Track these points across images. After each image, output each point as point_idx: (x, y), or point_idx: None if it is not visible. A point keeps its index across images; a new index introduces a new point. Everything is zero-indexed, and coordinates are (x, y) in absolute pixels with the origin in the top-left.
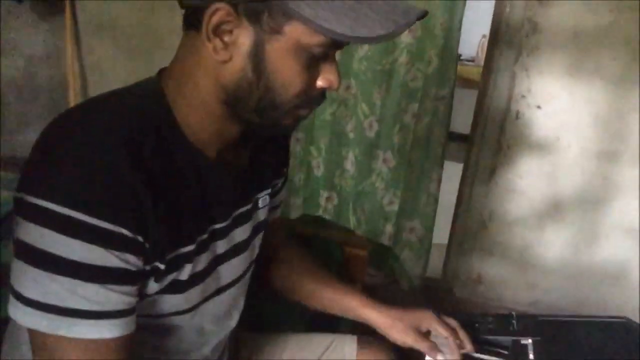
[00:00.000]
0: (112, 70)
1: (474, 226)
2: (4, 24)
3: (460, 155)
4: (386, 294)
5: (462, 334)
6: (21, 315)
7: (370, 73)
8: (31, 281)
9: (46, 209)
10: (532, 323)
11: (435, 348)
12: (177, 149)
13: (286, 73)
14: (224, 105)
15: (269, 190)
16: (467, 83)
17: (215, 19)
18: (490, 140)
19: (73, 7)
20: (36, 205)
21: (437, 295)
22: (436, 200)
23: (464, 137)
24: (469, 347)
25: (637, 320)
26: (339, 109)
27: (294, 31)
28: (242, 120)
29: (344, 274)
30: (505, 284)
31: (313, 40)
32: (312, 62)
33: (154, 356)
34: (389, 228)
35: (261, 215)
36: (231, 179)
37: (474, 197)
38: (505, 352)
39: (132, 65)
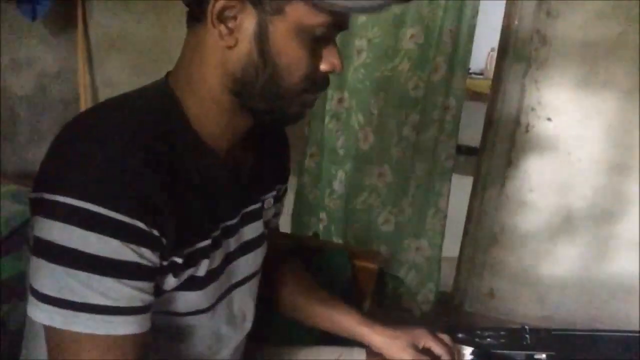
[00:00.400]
0: (124, 85)
1: (484, 240)
2: (18, 40)
3: (470, 168)
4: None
5: (455, 350)
6: (38, 312)
7: (368, 81)
8: (48, 277)
9: (63, 204)
10: (546, 337)
11: None
12: (189, 146)
13: (290, 55)
14: (232, 96)
15: (274, 193)
16: (475, 96)
17: (219, 5)
18: (500, 153)
19: (85, 23)
20: (53, 202)
21: (448, 310)
22: (445, 217)
23: (473, 150)
24: None
25: None
26: (331, 122)
27: (295, 11)
28: (250, 109)
29: (354, 287)
30: (517, 299)
31: (315, 20)
32: (315, 44)
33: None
34: (384, 250)
35: (267, 215)
36: (239, 177)
37: (485, 211)
38: None
39: (143, 80)
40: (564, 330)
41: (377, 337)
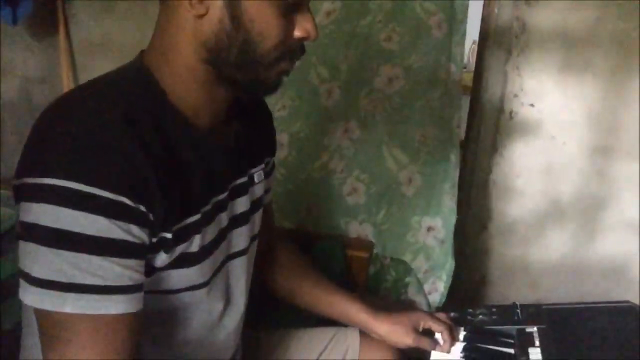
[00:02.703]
0: None
1: (474, 228)
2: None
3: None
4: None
5: (452, 326)
6: (27, 295)
7: (336, 35)
8: (35, 259)
9: (46, 185)
10: (536, 312)
11: (434, 343)
12: (169, 121)
13: (263, 21)
14: (207, 66)
15: (263, 166)
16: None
17: None
18: (485, 140)
19: (67, 27)
20: (36, 184)
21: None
22: (456, 187)
23: (461, 145)
24: (456, 337)
25: None
26: None
27: None
28: (227, 80)
29: (346, 276)
30: (508, 284)
31: None
32: (288, 11)
33: (170, 345)
34: (356, 228)
35: (257, 191)
36: (223, 151)
37: (473, 199)
38: (511, 341)
39: None
40: (553, 304)
41: (379, 324)
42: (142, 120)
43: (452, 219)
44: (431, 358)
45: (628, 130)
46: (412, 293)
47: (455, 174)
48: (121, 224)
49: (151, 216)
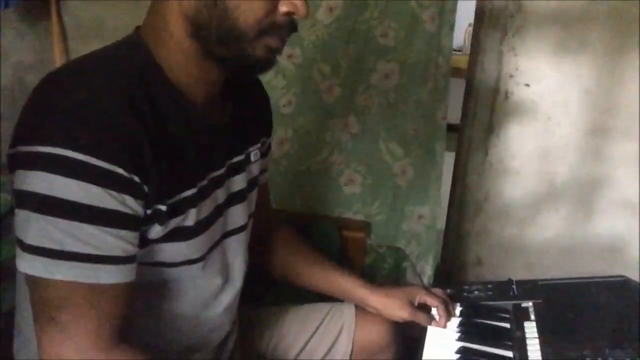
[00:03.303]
0: None
1: (470, 209)
2: None
3: (452, 145)
4: None
5: (448, 301)
6: (20, 262)
7: (338, 33)
8: (29, 227)
9: (41, 153)
10: (532, 287)
11: (429, 318)
12: (165, 95)
13: None
14: (194, 41)
15: (259, 145)
16: (455, 72)
17: None
18: (481, 121)
19: (59, 13)
20: (31, 152)
21: (437, 280)
22: (441, 177)
23: (455, 128)
24: (452, 312)
25: None
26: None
27: None
28: (212, 55)
29: (343, 257)
30: (504, 265)
31: None
32: None
33: (166, 319)
34: (351, 216)
35: (254, 170)
36: (219, 128)
37: (469, 180)
38: (507, 316)
39: None
40: (549, 279)
41: (376, 298)
42: (138, 93)
43: (438, 207)
44: (428, 333)
45: (624, 110)
46: (409, 277)
47: (440, 164)
48: (115, 194)
49: (145, 188)
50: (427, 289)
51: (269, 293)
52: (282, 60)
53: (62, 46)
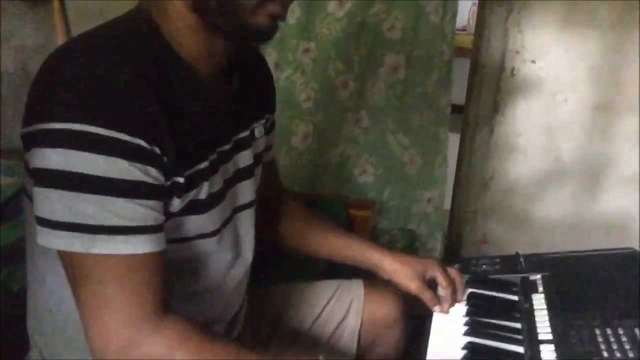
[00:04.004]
0: None
1: (475, 187)
2: None
3: (457, 126)
4: None
5: (459, 286)
6: (52, 239)
7: (349, 28)
8: (57, 204)
9: (65, 130)
10: (539, 261)
11: (435, 299)
12: (174, 68)
13: None
14: (197, 15)
15: (263, 121)
16: (460, 52)
17: None
18: (486, 99)
19: None
20: (50, 130)
21: (444, 258)
22: (446, 160)
23: (460, 109)
24: (459, 298)
25: None
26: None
27: None
28: (215, 27)
29: None
30: (510, 243)
31: None
32: None
33: (182, 296)
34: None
35: (259, 145)
36: (226, 102)
37: (474, 159)
38: (515, 289)
39: None
40: (556, 252)
41: (388, 262)
42: (150, 66)
43: (444, 188)
44: (434, 316)
45: (630, 86)
46: (421, 255)
47: (445, 148)
48: (140, 165)
49: (165, 159)
50: (443, 266)
51: (276, 271)
52: (299, 55)
53: (64, 30)
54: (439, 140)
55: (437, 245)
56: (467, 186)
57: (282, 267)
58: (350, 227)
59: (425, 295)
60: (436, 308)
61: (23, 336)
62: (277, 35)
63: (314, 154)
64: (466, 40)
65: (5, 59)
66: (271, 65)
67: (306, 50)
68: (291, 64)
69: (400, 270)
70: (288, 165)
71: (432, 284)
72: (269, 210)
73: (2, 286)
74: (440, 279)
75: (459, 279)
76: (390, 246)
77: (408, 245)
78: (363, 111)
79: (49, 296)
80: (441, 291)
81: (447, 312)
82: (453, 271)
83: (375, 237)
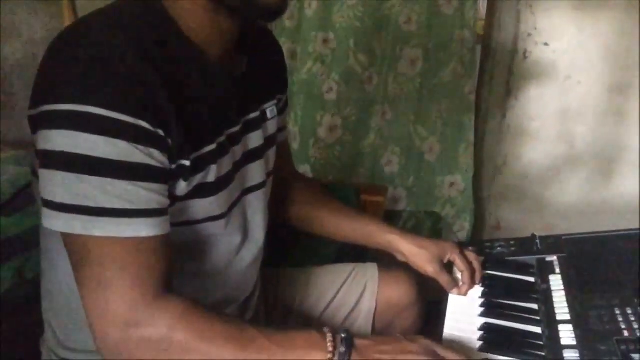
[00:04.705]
0: None
1: (489, 173)
2: (3, 7)
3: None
4: None
5: (477, 268)
6: (54, 221)
7: (368, 19)
8: (60, 186)
9: (65, 111)
10: (556, 242)
11: (452, 283)
12: (180, 49)
13: None
14: None
15: (275, 102)
16: None
17: None
18: (499, 83)
19: None
20: (54, 111)
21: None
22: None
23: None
24: (477, 281)
25: None
26: (315, 66)
27: None
28: (224, 5)
29: None
30: (524, 228)
31: None
32: None
33: (191, 278)
34: (392, 192)
35: (270, 127)
36: (236, 83)
37: (487, 144)
38: (531, 271)
39: None
40: (572, 234)
41: (405, 244)
42: (155, 47)
43: (470, 173)
44: (450, 297)
45: None
46: (444, 235)
47: (470, 135)
48: (142, 148)
49: (169, 141)
50: (461, 248)
51: (288, 256)
52: (318, 47)
53: (73, 21)
54: (464, 126)
55: (465, 225)
56: (480, 171)
57: (293, 252)
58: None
59: (443, 279)
60: (454, 291)
61: (38, 322)
62: (296, 27)
63: (345, 146)
64: (477, 25)
65: (15, 52)
66: (290, 56)
67: (325, 41)
68: (311, 55)
69: (418, 253)
70: (317, 156)
71: (448, 267)
72: (282, 191)
73: (17, 274)
74: (459, 262)
75: (477, 262)
76: (417, 229)
77: (433, 227)
78: (387, 104)
79: (62, 278)
80: (459, 274)
81: (465, 295)
82: (471, 254)
83: (398, 222)
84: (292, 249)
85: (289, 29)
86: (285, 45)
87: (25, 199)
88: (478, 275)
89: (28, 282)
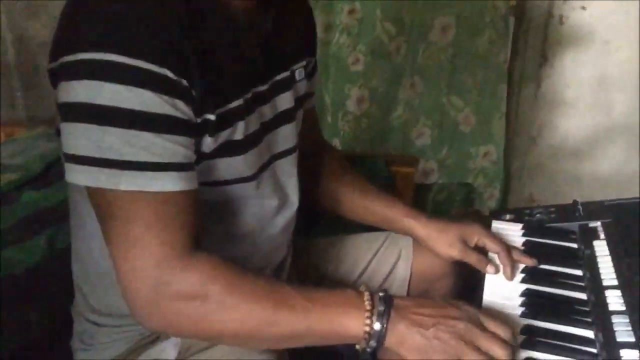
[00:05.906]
0: None
1: (522, 144)
2: None
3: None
4: None
5: (516, 252)
6: (78, 175)
7: None
8: (83, 139)
9: (86, 60)
10: (599, 208)
11: (484, 260)
12: (207, 2)
13: None
14: None
15: (304, 63)
16: None
17: None
18: (533, 49)
19: None
20: (74, 61)
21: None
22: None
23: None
24: (528, 262)
25: None
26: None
27: None
28: None
29: (391, 193)
30: (558, 202)
31: None
32: None
33: (224, 239)
34: (423, 165)
35: (300, 89)
36: (260, 39)
37: (521, 114)
38: (574, 237)
39: None
40: (616, 200)
41: (423, 229)
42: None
43: (502, 143)
44: (486, 279)
45: None
46: (476, 205)
47: (503, 105)
48: (167, 98)
49: (193, 92)
50: (488, 230)
51: (319, 224)
52: (344, 17)
53: None
54: (497, 96)
55: (495, 193)
56: (513, 141)
57: (324, 219)
58: (391, 184)
59: (472, 258)
60: (488, 269)
61: (69, 289)
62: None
63: (372, 118)
64: None
65: (42, 29)
66: (322, 28)
67: (351, 12)
68: (338, 26)
69: (437, 237)
70: (346, 129)
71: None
72: (307, 162)
73: (48, 245)
74: (490, 244)
75: (511, 246)
76: (448, 202)
77: (465, 198)
78: (416, 76)
79: (91, 241)
80: (495, 258)
81: (511, 280)
82: (497, 239)
83: (428, 195)
84: (322, 219)
85: (321, 3)
86: (319, 18)
87: (55, 173)
88: (525, 258)
89: (60, 251)
